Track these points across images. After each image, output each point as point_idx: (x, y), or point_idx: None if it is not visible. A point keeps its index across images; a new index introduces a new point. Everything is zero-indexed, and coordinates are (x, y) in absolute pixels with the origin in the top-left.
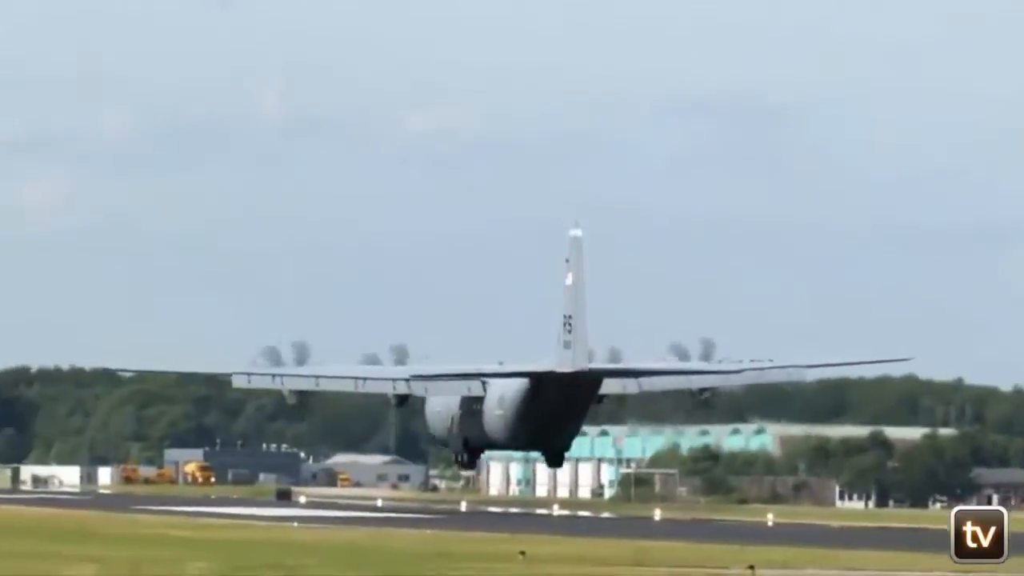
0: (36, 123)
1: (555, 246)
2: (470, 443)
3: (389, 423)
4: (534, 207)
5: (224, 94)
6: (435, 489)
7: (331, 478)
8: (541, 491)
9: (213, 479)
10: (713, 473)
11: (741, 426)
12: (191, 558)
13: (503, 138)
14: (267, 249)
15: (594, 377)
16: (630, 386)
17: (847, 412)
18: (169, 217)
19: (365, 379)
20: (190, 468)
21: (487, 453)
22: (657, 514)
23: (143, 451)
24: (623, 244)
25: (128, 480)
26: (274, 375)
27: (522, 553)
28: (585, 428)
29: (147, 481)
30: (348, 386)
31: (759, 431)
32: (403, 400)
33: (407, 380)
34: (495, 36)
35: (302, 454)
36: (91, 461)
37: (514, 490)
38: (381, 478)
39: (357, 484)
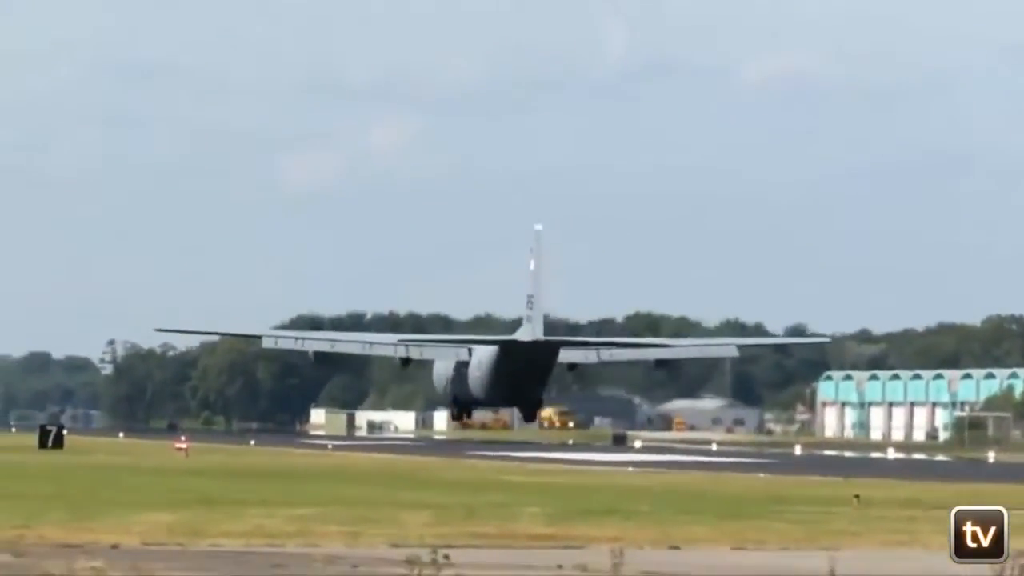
0: (386, 69)
1: None
2: (459, 399)
3: (724, 368)
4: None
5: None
6: (770, 433)
7: (666, 422)
8: (876, 435)
9: (571, 424)
10: None
11: None
12: (525, 503)
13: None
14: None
15: (550, 346)
16: (590, 356)
17: None
18: (490, 161)
19: (371, 343)
20: (547, 413)
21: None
22: (991, 457)
23: None
24: None
25: (464, 425)
26: (296, 337)
27: (856, 497)
28: (920, 372)
29: (483, 426)
30: (357, 349)
31: None
32: (406, 362)
33: (406, 344)
34: None
35: (637, 399)
36: (426, 406)
37: (848, 433)
38: (716, 422)
39: (692, 428)
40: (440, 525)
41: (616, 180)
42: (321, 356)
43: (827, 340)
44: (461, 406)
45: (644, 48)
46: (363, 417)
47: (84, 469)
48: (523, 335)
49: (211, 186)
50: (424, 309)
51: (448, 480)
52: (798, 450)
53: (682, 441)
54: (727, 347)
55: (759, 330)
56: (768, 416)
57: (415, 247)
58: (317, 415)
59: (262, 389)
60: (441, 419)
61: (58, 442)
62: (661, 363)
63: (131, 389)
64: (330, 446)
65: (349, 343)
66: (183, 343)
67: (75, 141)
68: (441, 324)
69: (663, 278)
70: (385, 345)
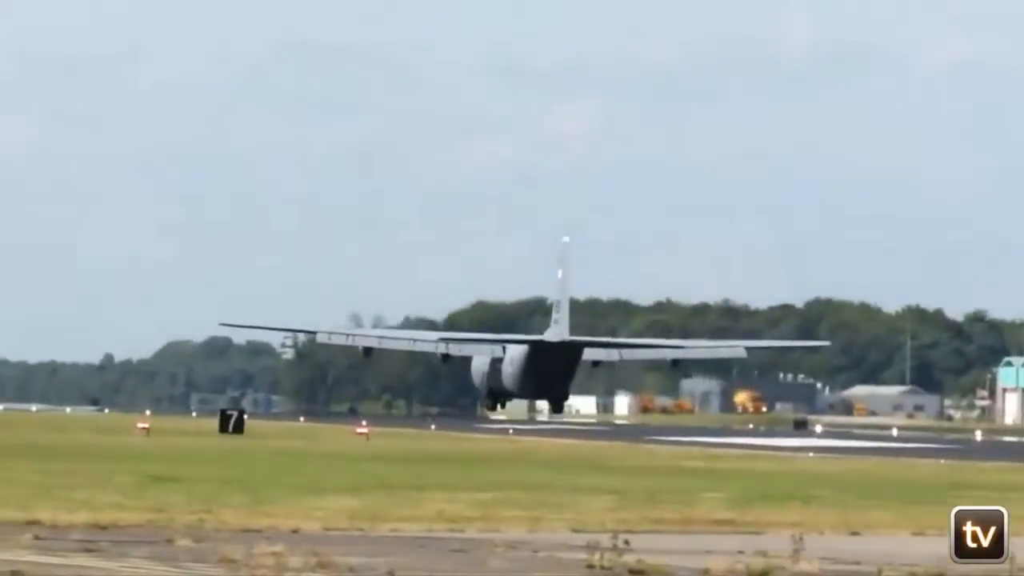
0: (572, 51)
1: None
2: (493, 391)
3: (904, 353)
4: None
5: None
6: (950, 419)
7: (847, 408)
8: None
9: (764, 409)
10: None
11: None
12: (705, 488)
13: None
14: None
15: (575, 346)
16: (612, 355)
17: None
18: (686, 148)
19: (415, 340)
20: (741, 398)
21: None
22: None
23: (659, 381)
24: None
25: (645, 410)
26: (347, 334)
27: None
28: None
29: (664, 411)
30: (404, 345)
31: None
32: (446, 357)
33: (446, 342)
34: None
35: (818, 384)
36: (608, 391)
37: None
38: (897, 408)
39: (872, 414)
40: (620, 510)
41: (796, 165)
42: (368, 351)
43: (826, 344)
44: (495, 397)
45: (831, 33)
46: (543, 401)
47: (264, 454)
48: (551, 336)
49: (398, 170)
50: (604, 294)
51: (628, 465)
52: (978, 436)
53: (862, 427)
54: (736, 349)
55: (939, 316)
56: (948, 402)
57: (597, 232)
58: None
59: (443, 373)
60: (623, 404)
61: (239, 427)
62: (675, 362)
63: (312, 373)
64: (511, 431)
65: (396, 340)
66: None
67: (261, 124)
68: (622, 310)
69: (842, 263)
70: (427, 342)
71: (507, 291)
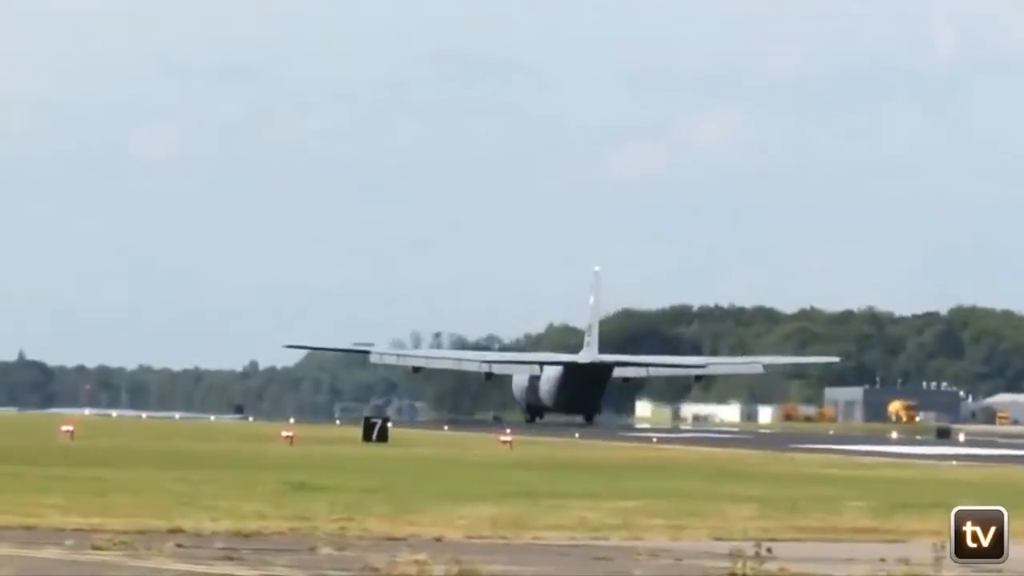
0: (714, 60)
1: None
2: (531, 406)
3: None
4: None
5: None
6: None
7: (989, 416)
8: None
9: (917, 418)
10: None
11: None
12: (847, 497)
13: None
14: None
15: (605, 366)
16: (640, 372)
17: None
18: (820, 160)
19: (461, 359)
20: (895, 407)
21: None
22: None
23: (802, 389)
24: None
25: (788, 418)
26: (398, 354)
27: None
28: None
29: (807, 419)
30: (450, 365)
31: None
32: (489, 376)
33: (489, 363)
34: None
35: (962, 392)
36: (751, 399)
37: None
38: None
39: (1015, 422)
40: (763, 518)
41: (940, 173)
42: (417, 370)
43: (835, 360)
44: (533, 412)
45: (971, 42)
46: (688, 410)
47: (408, 461)
48: (583, 357)
49: (538, 177)
50: (748, 302)
51: (771, 473)
52: None
53: (1006, 435)
54: (753, 365)
55: None
56: None
57: (740, 240)
58: (642, 408)
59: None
60: (766, 413)
61: (382, 435)
62: (698, 377)
63: (456, 381)
64: (655, 439)
65: (442, 360)
66: (508, 335)
67: (403, 130)
68: (765, 317)
69: (986, 271)
70: (472, 362)
71: (651, 299)
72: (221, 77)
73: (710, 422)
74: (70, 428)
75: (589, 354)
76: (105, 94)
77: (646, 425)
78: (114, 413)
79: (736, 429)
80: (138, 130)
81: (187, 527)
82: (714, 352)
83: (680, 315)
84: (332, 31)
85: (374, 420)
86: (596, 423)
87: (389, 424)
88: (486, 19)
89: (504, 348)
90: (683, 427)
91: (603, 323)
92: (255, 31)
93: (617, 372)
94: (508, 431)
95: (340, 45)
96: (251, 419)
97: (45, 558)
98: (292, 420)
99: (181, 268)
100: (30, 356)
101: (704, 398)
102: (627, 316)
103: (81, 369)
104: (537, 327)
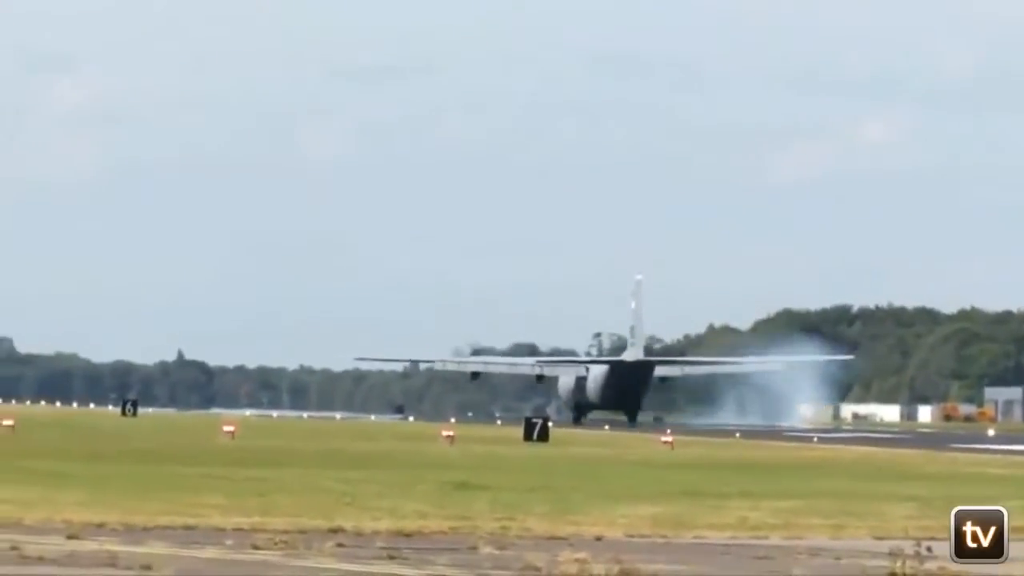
0: (876, 62)
1: None
2: (578, 404)
3: None
4: None
5: None
6: None
7: None
8: None
9: None
10: None
11: None
12: (1006, 496)
13: None
14: None
15: (648, 365)
16: (675, 371)
17: None
18: (978, 157)
19: (515, 364)
20: None
21: None
22: None
23: (962, 389)
24: None
25: (948, 418)
26: (458, 361)
27: None
28: None
29: (967, 419)
30: (505, 369)
31: None
32: (540, 378)
33: (540, 365)
34: None
35: None
36: (911, 399)
37: None
38: None
39: None
40: (922, 518)
41: None
42: (476, 375)
43: (850, 358)
44: (579, 410)
45: None
46: (848, 409)
47: (569, 461)
48: (627, 356)
49: (699, 178)
50: (909, 302)
51: (930, 473)
52: None
53: None
54: (773, 364)
55: None
56: None
57: (902, 240)
58: (803, 408)
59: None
60: (925, 412)
61: (543, 434)
62: (728, 376)
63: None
64: (815, 439)
65: (498, 365)
66: (670, 335)
67: (552, 129)
68: (926, 317)
69: None
70: (525, 365)
71: (813, 300)
72: (381, 77)
73: (870, 422)
74: (231, 428)
75: (634, 354)
76: (271, 93)
77: (807, 425)
78: (275, 414)
79: (896, 429)
80: (303, 129)
81: (348, 527)
82: (873, 353)
83: (841, 315)
84: (492, 32)
85: (535, 420)
86: (638, 422)
87: (550, 424)
88: (648, 20)
89: (665, 348)
90: (843, 427)
91: (764, 322)
92: (416, 31)
93: (657, 371)
94: (669, 431)
95: (500, 46)
96: (411, 419)
97: (205, 558)
98: (452, 420)
99: (344, 266)
100: (190, 356)
101: (864, 398)
102: (788, 316)
103: (241, 369)
104: (697, 328)
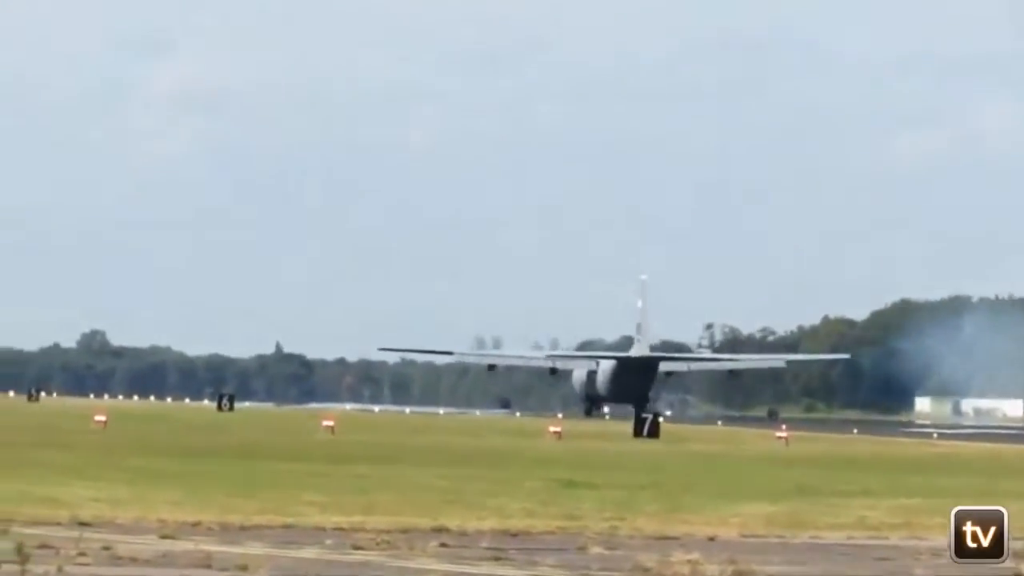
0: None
1: None
2: (589, 397)
3: None
4: None
5: None
6: None
7: None
8: None
9: None
10: None
11: None
12: None
13: None
14: None
15: (652, 360)
16: (681, 367)
17: None
18: None
19: (528, 357)
20: None
21: None
22: None
23: None
24: None
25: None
26: (478, 354)
27: None
28: None
29: None
30: (518, 362)
31: None
32: (553, 371)
33: (553, 359)
34: None
35: None
36: None
37: None
38: None
39: None
40: None
41: None
42: (492, 367)
43: (846, 357)
44: (591, 402)
45: None
46: (969, 404)
47: (680, 458)
48: (634, 352)
49: (816, 164)
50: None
51: None
52: None
53: None
54: (775, 361)
55: None
56: None
57: (1021, 227)
58: (922, 403)
59: (864, 375)
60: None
61: (653, 430)
62: (732, 372)
63: (730, 374)
64: (935, 435)
65: (512, 358)
66: (782, 326)
67: (681, 112)
68: None
69: None
70: (538, 359)
71: (931, 289)
72: (485, 62)
73: (992, 417)
74: (331, 423)
75: (640, 350)
76: (381, 78)
77: (927, 421)
78: (376, 408)
79: (1020, 424)
80: (415, 114)
81: (452, 526)
82: (994, 345)
83: (960, 305)
84: (609, 14)
85: (644, 415)
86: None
87: (660, 419)
88: (766, 2)
89: (778, 340)
90: (965, 422)
91: (880, 313)
92: (531, 14)
93: (663, 367)
94: (784, 427)
95: (615, 28)
96: (518, 414)
97: (303, 558)
98: (560, 415)
99: (440, 258)
100: (288, 349)
101: (986, 392)
102: (904, 306)
103: (341, 362)
104: (811, 319)
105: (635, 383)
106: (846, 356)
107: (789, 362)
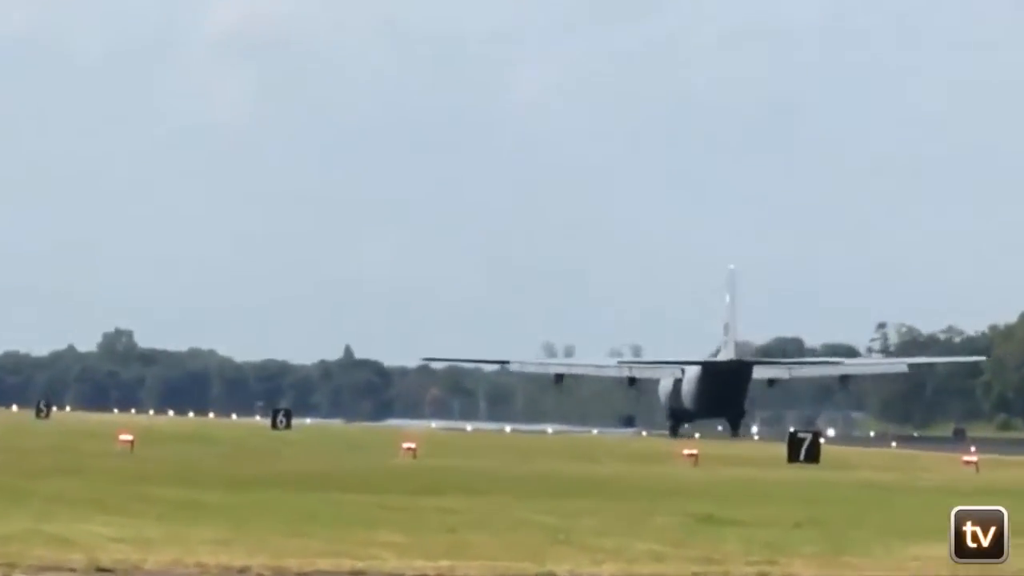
0: None
1: None
2: (675, 413)
3: None
4: None
5: None
6: None
7: None
8: None
9: None
10: None
11: None
12: None
13: None
14: None
15: (743, 365)
16: (783, 373)
17: None
18: None
19: (601, 366)
20: None
21: None
22: None
23: None
24: None
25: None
26: (539, 363)
27: None
28: None
29: None
30: (590, 371)
31: None
32: (632, 381)
33: (629, 366)
34: None
35: None
36: None
37: None
38: None
39: None
40: None
41: None
42: (560, 378)
43: (983, 359)
44: (677, 419)
45: None
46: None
47: (844, 487)
48: (721, 357)
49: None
50: None
51: None
52: None
53: None
54: (897, 365)
55: None
56: None
57: None
58: None
59: None
60: None
61: (812, 453)
62: (844, 378)
63: (906, 385)
64: None
65: (584, 367)
66: (972, 327)
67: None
68: None
69: None
70: (611, 368)
71: None
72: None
73: None
74: (412, 445)
75: (727, 354)
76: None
77: None
78: (468, 426)
79: None
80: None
81: (561, 572)
82: None
83: None
84: None
85: (802, 435)
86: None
87: (820, 440)
88: None
89: (966, 342)
90: None
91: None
92: None
93: (760, 373)
94: (973, 449)
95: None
96: (644, 433)
97: None
98: (696, 435)
99: (551, 258)
100: (360, 355)
101: None
102: None
103: (424, 370)
104: (1007, 317)
105: (725, 393)
106: (982, 359)
107: (913, 366)
